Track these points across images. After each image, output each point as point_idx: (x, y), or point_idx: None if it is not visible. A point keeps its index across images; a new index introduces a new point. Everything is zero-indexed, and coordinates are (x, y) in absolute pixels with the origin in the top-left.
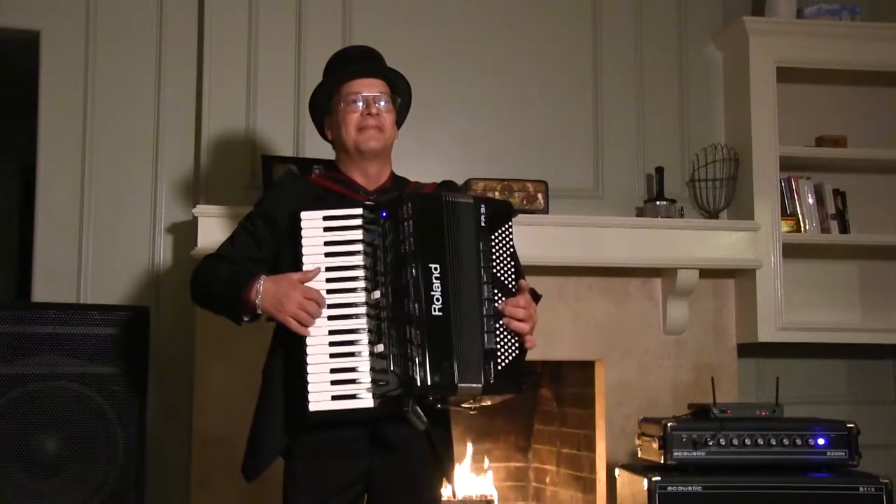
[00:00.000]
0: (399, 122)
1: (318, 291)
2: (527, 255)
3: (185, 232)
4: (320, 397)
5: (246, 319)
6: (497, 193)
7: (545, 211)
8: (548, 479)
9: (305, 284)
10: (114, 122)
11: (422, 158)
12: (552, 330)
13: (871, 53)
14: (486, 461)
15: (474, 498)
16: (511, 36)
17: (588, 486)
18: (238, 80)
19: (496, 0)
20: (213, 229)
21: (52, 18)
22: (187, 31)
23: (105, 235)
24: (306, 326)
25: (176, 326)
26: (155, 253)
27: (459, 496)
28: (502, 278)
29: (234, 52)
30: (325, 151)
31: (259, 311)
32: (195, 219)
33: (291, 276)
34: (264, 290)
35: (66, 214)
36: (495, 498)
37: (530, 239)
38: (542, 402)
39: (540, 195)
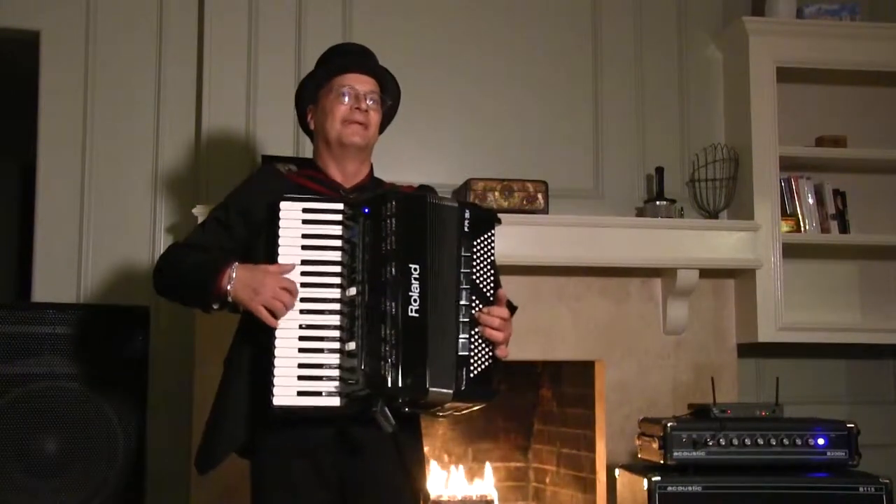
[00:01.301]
0: (383, 126)
1: (293, 282)
2: (527, 255)
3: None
4: (285, 392)
5: (215, 307)
6: (497, 193)
7: (545, 211)
8: (548, 479)
9: (281, 275)
10: (114, 122)
11: (422, 158)
12: (552, 330)
13: (871, 53)
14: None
15: (474, 498)
16: (511, 36)
17: (588, 486)
18: (238, 80)
19: (496, 0)
20: None
21: (52, 18)
22: (187, 31)
23: (105, 235)
24: (278, 318)
25: (176, 326)
26: (155, 253)
27: (459, 496)
28: (481, 285)
29: (234, 52)
30: None
31: (230, 299)
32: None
33: (267, 266)
34: (238, 276)
35: (66, 214)
36: (495, 498)
37: (530, 239)
38: (542, 402)
39: (540, 195)
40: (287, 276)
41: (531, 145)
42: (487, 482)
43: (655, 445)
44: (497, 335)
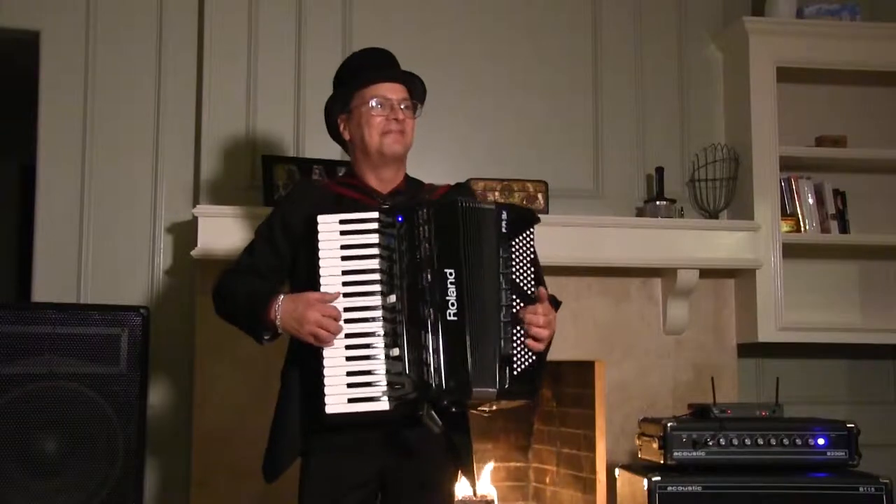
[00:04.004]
0: None
1: (336, 309)
2: None
3: (185, 232)
4: (337, 400)
5: (266, 338)
6: (497, 193)
7: (545, 211)
8: (548, 479)
9: (324, 303)
10: (114, 122)
11: (422, 158)
12: None
13: (871, 53)
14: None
15: (475, 498)
16: (511, 36)
17: (588, 486)
18: (238, 80)
19: (496, 0)
20: (213, 229)
21: (52, 18)
22: (187, 31)
23: (105, 235)
24: (326, 344)
25: (176, 326)
26: (155, 253)
27: (459, 496)
28: (522, 285)
29: (234, 53)
30: (325, 152)
31: (280, 331)
32: (195, 219)
33: (310, 296)
34: (283, 308)
35: (66, 214)
36: (495, 498)
37: None
38: (542, 402)
39: (540, 195)
40: (330, 288)
41: (531, 145)
42: (487, 482)
43: (655, 445)
44: (541, 332)
